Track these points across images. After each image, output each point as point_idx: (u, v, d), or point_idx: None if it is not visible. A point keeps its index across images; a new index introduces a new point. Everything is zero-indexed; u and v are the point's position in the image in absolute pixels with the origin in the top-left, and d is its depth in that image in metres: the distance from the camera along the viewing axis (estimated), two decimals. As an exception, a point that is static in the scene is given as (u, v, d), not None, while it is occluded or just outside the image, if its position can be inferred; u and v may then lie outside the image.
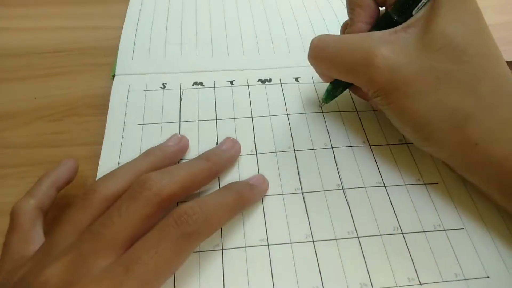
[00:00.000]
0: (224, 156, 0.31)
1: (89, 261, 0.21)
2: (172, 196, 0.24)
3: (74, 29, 0.46)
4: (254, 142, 0.33)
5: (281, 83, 0.38)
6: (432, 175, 0.31)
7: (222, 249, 0.27)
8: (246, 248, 0.27)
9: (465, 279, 0.26)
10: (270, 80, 0.38)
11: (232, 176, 0.31)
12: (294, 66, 0.40)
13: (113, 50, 0.44)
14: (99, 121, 0.37)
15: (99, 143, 0.35)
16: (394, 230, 0.28)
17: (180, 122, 0.34)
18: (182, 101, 0.36)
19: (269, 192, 0.30)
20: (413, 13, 0.27)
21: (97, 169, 0.31)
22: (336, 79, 0.32)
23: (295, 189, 0.30)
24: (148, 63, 0.39)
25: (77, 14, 0.48)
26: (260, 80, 0.38)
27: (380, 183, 0.31)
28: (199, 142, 0.33)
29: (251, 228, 0.28)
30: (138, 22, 0.44)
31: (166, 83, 0.37)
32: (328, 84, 0.33)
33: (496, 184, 0.27)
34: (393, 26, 0.27)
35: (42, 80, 0.41)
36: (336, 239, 0.28)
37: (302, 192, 0.30)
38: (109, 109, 0.35)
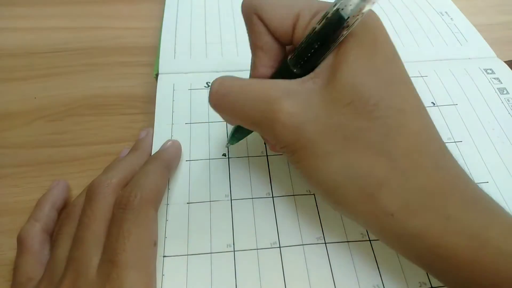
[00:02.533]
0: (149, 142, 0.33)
1: (84, 263, 0.23)
2: (120, 182, 0.27)
3: (74, 29, 0.46)
4: None
5: None
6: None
7: (234, 251, 0.27)
8: (258, 250, 0.27)
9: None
10: None
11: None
12: None
13: (113, 50, 0.44)
14: (99, 121, 0.37)
15: (99, 143, 0.35)
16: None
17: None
18: None
19: (281, 193, 0.30)
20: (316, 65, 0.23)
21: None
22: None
23: (307, 190, 0.30)
24: (190, 62, 0.39)
25: (77, 14, 0.48)
26: None
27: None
28: (247, 141, 0.33)
29: (262, 230, 0.28)
30: (176, 22, 0.44)
31: (210, 82, 0.37)
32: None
33: (416, 258, 0.23)
34: (296, 77, 0.23)
35: (42, 80, 0.40)
36: (348, 242, 0.27)
37: (314, 194, 0.30)
38: (156, 108, 0.35)
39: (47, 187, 0.31)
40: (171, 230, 0.28)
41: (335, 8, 0.20)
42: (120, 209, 0.25)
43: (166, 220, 0.28)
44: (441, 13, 0.46)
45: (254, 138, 0.33)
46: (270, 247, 0.27)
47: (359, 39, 0.22)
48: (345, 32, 0.21)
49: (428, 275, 0.26)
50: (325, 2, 0.23)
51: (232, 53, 0.41)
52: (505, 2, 0.52)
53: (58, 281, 0.24)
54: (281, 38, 0.24)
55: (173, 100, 0.36)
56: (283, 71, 0.24)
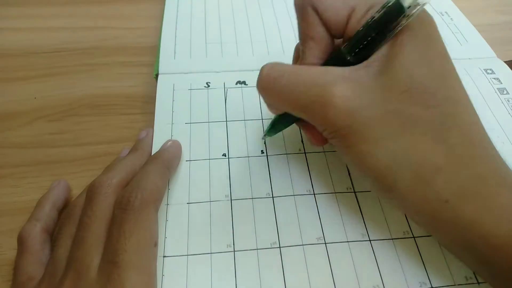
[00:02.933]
0: (149, 142, 0.33)
1: (85, 263, 0.23)
2: (120, 182, 0.27)
3: (74, 29, 0.46)
4: (302, 142, 0.33)
5: None
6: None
7: (234, 251, 0.27)
8: (258, 250, 0.27)
9: (478, 283, 0.26)
10: None
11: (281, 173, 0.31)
12: None
13: (113, 50, 0.44)
14: (99, 121, 0.37)
15: (99, 143, 0.35)
16: (404, 234, 0.28)
17: (226, 121, 0.34)
18: (227, 100, 0.36)
19: (281, 193, 0.30)
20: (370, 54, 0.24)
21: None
22: (285, 113, 0.28)
23: (307, 190, 0.30)
24: (190, 63, 0.40)
25: (77, 14, 0.48)
26: None
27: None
28: (247, 140, 0.33)
29: (262, 230, 0.28)
30: (176, 22, 0.44)
31: (210, 82, 0.37)
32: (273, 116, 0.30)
33: (466, 248, 0.23)
34: (348, 65, 0.24)
35: (42, 80, 0.40)
36: (348, 242, 0.27)
37: (314, 194, 0.30)
38: (156, 107, 0.35)
39: (47, 187, 0.31)
40: (171, 230, 0.28)
41: None
42: (121, 209, 0.25)
43: (166, 220, 0.28)
44: (441, 13, 0.46)
45: (254, 138, 0.33)
46: (270, 247, 0.27)
47: (414, 32, 0.22)
48: (403, 22, 0.22)
49: (428, 275, 0.26)
50: None
51: (232, 53, 0.41)
52: (505, 2, 0.52)
53: (59, 281, 0.24)
54: (334, 29, 0.25)
55: (173, 100, 0.36)
56: (334, 60, 0.25)
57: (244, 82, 0.38)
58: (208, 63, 0.39)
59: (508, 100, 0.36)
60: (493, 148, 0.23)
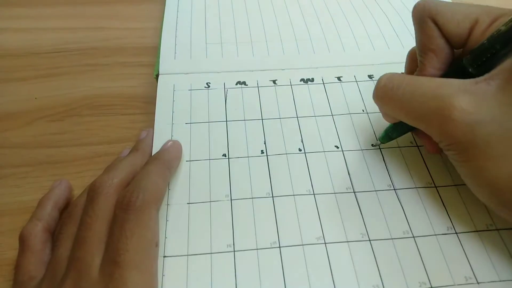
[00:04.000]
0: (149, 142, 0.33)
1: (86, 263, 0.24)
2: (121, 182, 0.27)
3: (74, 29, 0.46)
4: (302, 141, 0.33)
5: (323, 83, 0.38)
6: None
7: (234, 251, 0.27)
8: (258, 250, 0.27)
9: (477, 283, 0.26)
10: (312, 80, 0.38)
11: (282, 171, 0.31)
12: (335, 65, 0.40)
13: (114, 50, 0.44)
14: (99, 121, 0.37)
15: (100, 143, 0.35)
16: (404, 234, 0.28)
17: (226, 121, 0.34)
18: (227, 100, 0.36)
19: (281, 193, 0.30)
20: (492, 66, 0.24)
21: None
22: (400, 122, 0.28)
23: (307, 190, 0.30)
24: (190, 63, 0.40)
25: (77, 14, 0.48)
26: (302, 79, 0.38)
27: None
28: (247, 141, 0.33)
29: (262, 230, 0.28)
30: (177, 22, 0.44)
31: (210, 83, 0.37)
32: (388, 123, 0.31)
33: None
34: (468, 77, 0.24)
35: (42, 80, 0.40)
36: (348, 242, 0.27)
37: (314, 194, 0.30)
38: (156, 108, 0.35)
39: (47, 187, 0.31)
40: (171, 231, 0.28)
41: None
42: (122, 209, 0.25)
43: (167, 221, 0.28)
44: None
45: (253, 138, 0.33)
46: (270, 247, 0.27)
47: None
48: None
49: (428, 275, 0.26)
50: (504, 8, 0.24)
51: (232, 53, 0.41)
52: (505, 2, 0.52)
53: (60, 280, 0.24)
54: (455, 41, 0.25)
55: (173, 101, 0.36)
56: (455, 71, 0.25)
57: (244, 83, 0.38)
58: (208, 63, 0.39)
59: None
60: None
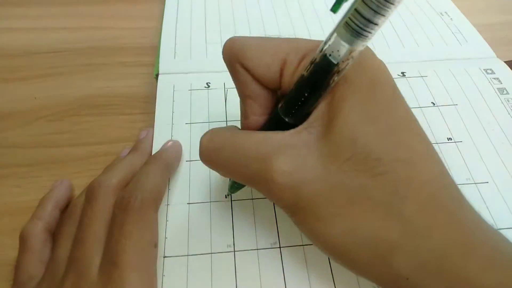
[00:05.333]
0: (149, 142, 0.33)
1: (85, 264, 0.23)
2: (120, 183, 0.27)
3: (74, 29, 0.46)
4: None
5: None
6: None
7: (234, 251, 0.27)
8: (258, 250, 0.27)
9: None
10: None
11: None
12: None
13: (113, 50, 0.44)
14: (99, 121, 0.37)
15: (99, 143, 0.35)
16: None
17: (227, 121, 0.34)
18: (227, 100, 0.36)
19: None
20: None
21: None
22: None
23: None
24: (190, 63, 0.40)
25: (77, 14, 0.48)
26: None
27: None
28: None
29: (262, 231, 0.28)
30: (176, 22, 0.44)
31: (210, 83, 0.37)
32: None
33: None
34: (289, 126, 0.21)
35: (42, 80, 0.40)
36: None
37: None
38: (156, 108, 0.35)
39: (47, 187, 0.31)
40: (171, 231, 0.28)
41: (321, 53, 0.19)
42: (121, 210, 0.25)
43: (167, 221, 0.28)
44: (441, 13, 0.46)
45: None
46: (270, 247, 0.27)
47: (353, 84, 0.20)
48: (336, 78, 0.19)
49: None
50: (312, 41, 0.22)
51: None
52: (505, 2, 0.52)
53: (60, 281, 0.24)
54: (269, 85, 0.23)
55: (173, 101, 0.35)
56: (275, 120, 0.22)
57: (244, 82, 0.37)
58: (208, 63, 0.39)
59: (508, 100, 0.36)
60: (460, 202, 0.21)
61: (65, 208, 0.30)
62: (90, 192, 0.26)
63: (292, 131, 0.21)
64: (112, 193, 0.26)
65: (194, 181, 0.30)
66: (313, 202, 0.20)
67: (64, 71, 0.41)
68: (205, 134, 0.23)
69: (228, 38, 0.24)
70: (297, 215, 0.21)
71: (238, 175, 0.23)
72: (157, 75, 0.38)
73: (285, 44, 0.22)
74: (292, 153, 0.20)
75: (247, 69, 0.23)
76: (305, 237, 0.27)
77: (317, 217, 0.20)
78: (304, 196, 0.20)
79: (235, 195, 0.29)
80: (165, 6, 0.46)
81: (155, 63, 0.39)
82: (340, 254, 0.21)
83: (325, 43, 0.19)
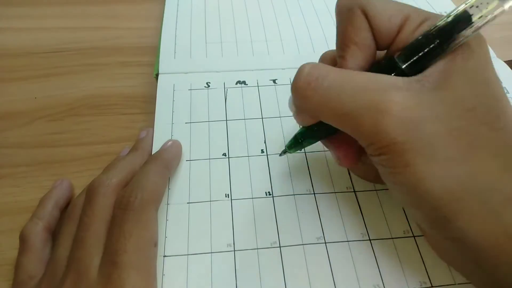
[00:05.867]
0: (149, 142, 0.33)
1: (85, 264, 0.23)
2: (120, 182, 0.27)
3: (74, 29, 0.46)
4: None
5: None
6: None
7: (234, 251, 0.27)
8: (258, 250, 0.27)
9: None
10: None
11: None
12: None
13: (113, 50, 0.44)
14: (99, 121, 0.37)
15: (99, 143, 0.35)
16: (404, 233, 0.28)
17: (226, 120, 0.34)
18: (227, 100, 0.36)
19: (281, 193, 0.30)
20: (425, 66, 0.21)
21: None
22: (318, 123, 0.24)
23: (307, 189, 0.30)
24: (190, 62, 0.40)
25: (77, 14, 0.48)
26: None
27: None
28: (247, 140, 0.33)
29: (262, 230, 0.28)
30: (176, 22, 0.44)
31: (210, 82, 0.37)
32: (299, 127, 0.27)
33: None
34: (399, 75, 0.22)
35: (42, 80, 0.40)
36: (348, 241, 0.27)
37: (314, 194, 0.30)
38: (156, 107, 0.35)
39: (47, 187, 0.31)
40: (171, 230, 0.28)
41: (463, 7, 0.20)
42: (121, 209, 0.25)
43: (167, 220, 0.28)
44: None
45: (253, 138, 0.33)
46: (270, 247, 0.27)
47: (474, 51, 0.21)
48: (468, 33, 0.20)
49: (428, 274, 0.26)
50: (430, 13, 0.23)
51: (232, 53, 0.41)
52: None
53: (60, 281, 0.24)
54: (382, 37, 0.23)
55: (173, 100, 0.36)
56: (383, 70, 0.22)
57: (244, 82, 0.37)
58: (208, 63, 0.39)
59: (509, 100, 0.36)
60: None
61: (65, 208, 0.30)
62: (90, 192, 0.26)
63: (404, 78, 0.21)
64: (112, 192, 0.26)
65: (194, 181, 0.30)
66: (430, 142, 0.19)
67: (64, 71, 0.41)
68: (307, 63, 0.23)
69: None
70: (405, 156, 0.20)
71: (338, 107, 0.21)
72: (157, 75, 0.38)
73: (407, 5, 0.23)
74: (410, 92, 0.20)
75: (367, 16, 0.22)
76: (305, 236, 0.27)
77: (431, 159, 0.19)
78: (421, 134, 0.19)
79: (235, 194, 0.29)
80: (165, 6, 0.46)
81: (155, 63, 0.39)
82: (446, 204, 0.19)
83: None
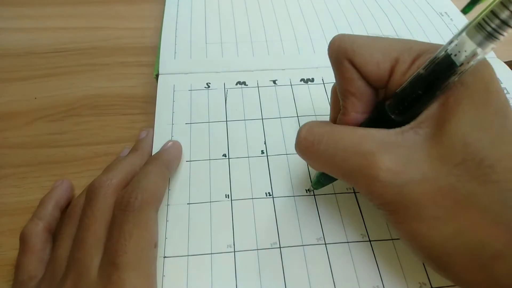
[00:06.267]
0: (149, 142, 0.33)
1: (85, 264, 0.23)
2: (120, 183, 0.27)
3: (74, 29, 0.46)
4: None
5: (323, 83, 0.38)
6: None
7: (234, 251, 0.27)
8: (258, 250, 0.27)
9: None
10: (312, 80, 0.38)
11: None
12: None
13: (113, 50, 0.44)
14: (99, 121, 0.37)
15: (99, 143, 0.35)
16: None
17: (227, 121, 0.34)
18: (227, 101, 0.36)
19: (281, 193, 0.30)
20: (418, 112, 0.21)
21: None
22: None
23: (307, 190, 0.30)
24: (190, 63, 0.40)
25: (77, 14, 0.48)
26: (302, 79, 0.38)
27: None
28: (247, 141, 0.33)
29: (262, 231, 0.28)
30: (176, 22, 0.44)
31: (210, 83, 0.37)
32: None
33: None
34: (394, 124, 0.22)
35: (42, 80, 0.40)
36: (348, 242, 0.27)
37: (314, 194, 0.30)
38: (156, 108, 0.35)
39: (47, 187, 0.31)
40: (171, 231, 0.28)
41: (445, 53, 0.19)
42: (121, 210, 0.25)
43: (167, 221, 0.28)
44: (441, 14, 0.46)
45: (253, 138, 0.33)
46: (270, 247, 0.27)
47: (469, 88, 0.20)
48: (454, 79, 0.19)
49: (428, 275, 0.26)
50: (425, 44, 0.22)
51: (232, 53, 0.41)
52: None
53: (60, 281, 0.24)
54: (376, 83, 0.23)
55: (173, 101, 0.36)
56: (378, 117, 0.23)
57: (244, 83, 0.38)
58: (208, 63, 0.39)
59: (509, 100, 0.36)
60: None
61: (66, 208, 0.30)
62: (90, 192, 0.26)
63: (397, 129, 0.21)
64: (112, 193, 0.26)
65: (194, 181, 0.30)
66: (418, 203, 0.20)
67: (64, 71, 0.41)
68: (303, 126, 0.24)
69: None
70: (396, 214, 0.21)
71: (335, 168, 0.23)
72: (157, 75, 0.38)
73: (397, 44, 0.23)
74: (397, 151, 0.20)
75: (355, 66, 0.23)
76: (305, 237, 0.27)
77: (420, 218, 0.20)
78: (408, 196, 0.20)
79: (235, 195, 0.29)
80: (165, 6, 0.46)
81: (155, 63, 0.39)
82: (437, 257, 0.21)
83: (450, 43, 0.19)
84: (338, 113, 0.25)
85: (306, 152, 0.24)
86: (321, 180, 0.28)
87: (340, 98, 0.25)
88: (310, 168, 0.31)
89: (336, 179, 0.27)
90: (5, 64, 0.42)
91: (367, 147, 0.21)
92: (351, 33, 0.42)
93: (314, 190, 0.30)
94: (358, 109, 0.24)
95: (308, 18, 0.46)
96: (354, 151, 0.21)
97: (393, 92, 0.22)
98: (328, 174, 0.25)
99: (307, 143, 0.23)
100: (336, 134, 0.23)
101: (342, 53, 0.23)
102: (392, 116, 0.22)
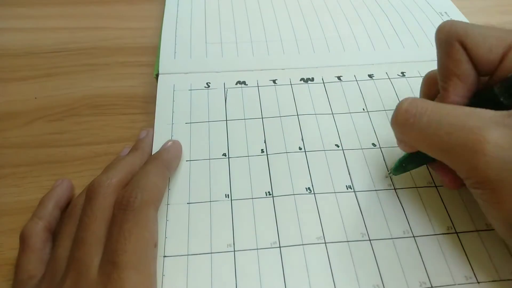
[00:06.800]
0: (149, 142, 0.33)
1: (85, 264, 0.23)
2: (120, 182, 0.27)
3: (74, 29, 0.46)
4: (302, 140, 0.33)
5: (323, 82, 0.38)
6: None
7: (234, 251, 0.27)
8: (258, 250, 0.27)
9: (477, 282, 0.26)
10: (312, 79, 0.38)
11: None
12: (335, 65, 0.40)
13: (113, 50, 0.44)
14: (99, 121, 0.37)
15: (99, 143, 0.35)
16: (404, 233, 0.28)
17: (226, 121, 0.34)
18: (227, 100, 0.36)
19: (281, 193, 0.30)
20: None
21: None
22: (419, 152, 0.26)
23: (307, 189, 0.30)
24: (190, 63, 0.40)
25: (77, 14, 0.48)
26: (302, 79, 0.38)
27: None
28: (247, 140, 0.33)
29: (262, 230, 0.28)
30: (176, 22, 0.44)
31: (210, 83, 0.37)
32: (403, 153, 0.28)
33: None
34: (498, 108, 0.22)
35: (42, 80, 0.40)
36: (348, 242, 0.27)
37: (314, 193, 0.30)
38: (156, 108, 0.35)
39: (47, 187, 0.31)
40: (171, 230, 0.28)
41: None
42: (121, 209, 0.25)
43: (167, 220, 0.28)
44: (441, 14, 0.46)
45: (253, 138, 0.33)
46: (270, 247, 0.27)
47: None
48: None
49: (428, 274, 0.26)
50: None
51: (232, 53, 0.41)
52: (505, 2, 0.52)
53: (59, 281, 0.24)
54: (483, 68, 0.23)
55: (173, 100, 0.36)
56: (483, 100, 0.23)
57: (244, 82, 0.38)
58: (208, 63, 0.39)
59: None
60: None
61: (66, 208, 0.30)
62: (90, 192, 0.26)
63: (504, 112, 0.21)
64: (112, 192, 0.26)
65: (194, 181, 0.30)
66: None
67: (64, 71, 0.41)
68: (404, 99, 0.24)
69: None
70: (497, 193, 0.21)
71: (435, 143, 0.23)
72: (157, 75, 0.38)
73: (509, 32, 0.23)
74: (505, 131, 0.20)
75: (465, 48, 0.23)
76: (306, 237, 0.27)
77: None
78: (511, 175, 0.20)
79: (235, 195, 0.29)
80: (165, 6, 0.46)
81: (155, 63, 0.39)
82: None
83: None
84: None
85: (405, 124, 0.24)
86: (404, 164, 0.28)
87: (441, 81, 0.25)
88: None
89: (421, 165, 0.28)
90: (5, 64, 0.42)
91: (476, 123, 0.21)
92: (351, 33, 0.42)
93: (391, 176, 0.30)
94: (460, 92, 0.24)
95: (308, 18, 0.46)
96: (461, 125, 0.21)
97: (503, 77, 0.23)
98: (417, 153, 0.25)
99: (407, 115, 0.23)
100: (441, 109, 0.23)
101: (453, 35, 0.24)
102: (501, 99, 0.22)
